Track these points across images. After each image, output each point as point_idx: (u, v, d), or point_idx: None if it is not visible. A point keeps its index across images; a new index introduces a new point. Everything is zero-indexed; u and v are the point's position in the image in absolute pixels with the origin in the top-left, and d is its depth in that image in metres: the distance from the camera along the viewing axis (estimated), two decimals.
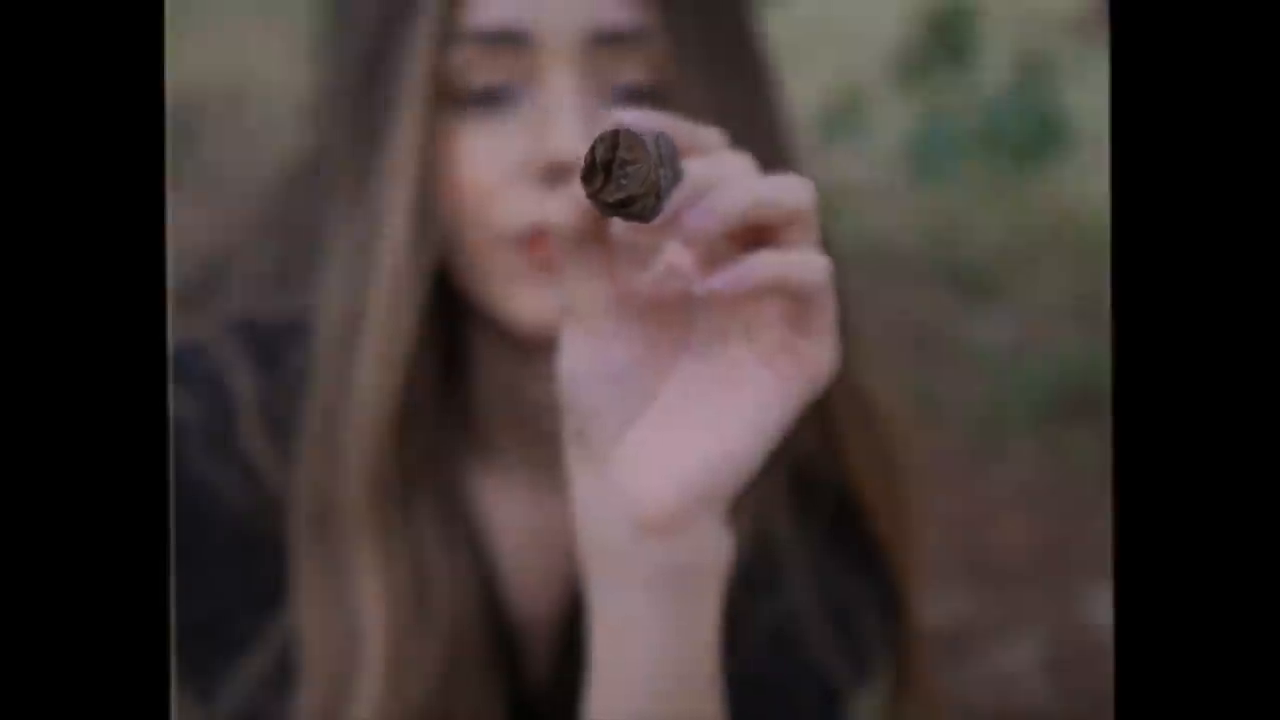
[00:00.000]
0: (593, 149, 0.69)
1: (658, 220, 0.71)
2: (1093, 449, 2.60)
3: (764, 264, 0.74)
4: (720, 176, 0.74)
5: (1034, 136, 2.35)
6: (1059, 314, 3.28)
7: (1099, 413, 2.69)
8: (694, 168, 0.74)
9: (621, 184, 0.69)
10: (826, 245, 0.77)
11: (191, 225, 1.13)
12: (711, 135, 0.78)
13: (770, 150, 0.99)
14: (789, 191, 0.75)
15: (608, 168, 0.69)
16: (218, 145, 3.88)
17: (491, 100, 0.95)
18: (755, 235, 0.75)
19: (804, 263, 0.75)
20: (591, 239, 0.76)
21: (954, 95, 2.40)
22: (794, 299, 0.76)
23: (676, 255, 0.78)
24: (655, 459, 0.77)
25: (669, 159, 0.71)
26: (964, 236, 3.61)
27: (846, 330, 1.02)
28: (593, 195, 0.69)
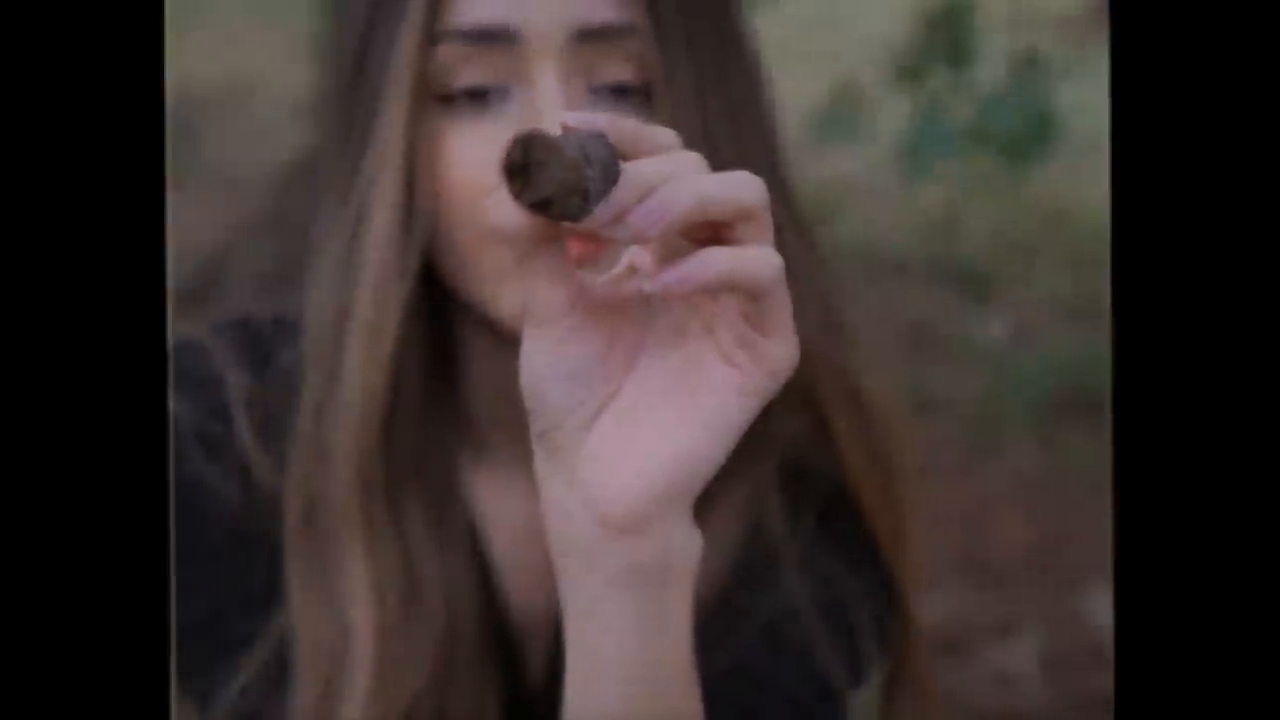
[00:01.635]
0: (508, 153, 0.71)
1: (600, 216, 0.72)
2: (1089, 446, 2.60)
3: (714, 260, 0.75)
4: (668, 174, 0.75)
5: (1029, 135, 2.35)
6: (1055, 312, 3.29)
7: (1096, 410, 2.69)
8: (642, 166, 0.75)
9: (538, 185, 0.71)
10: (818, 243, 0.77)
11: (192, 224, 1.13)
12: (663, 134, 0.78)
13: (757, 147, 0.99)
14: (738, 188, 0.75)
15: (524, 170, 0.70)
16: (218, 144, 3.88)
17: (479, 99, 0.96)
18: (712, 233, 0.76)
19: (755, 258, 0.75)
20: (545, 241, 0.76)
21: (950, 94, 2.41)
22: (748, 295, 0.76)
23: (637, 255, 0.79)
24: (617, 459, 0.77)
25: (599, 160, 0.72)
26: (960, 235, 3.61)
27: (843, 327, 1.02)
28: (515, 197, 0.72)
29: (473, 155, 0.95)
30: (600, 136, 0.73)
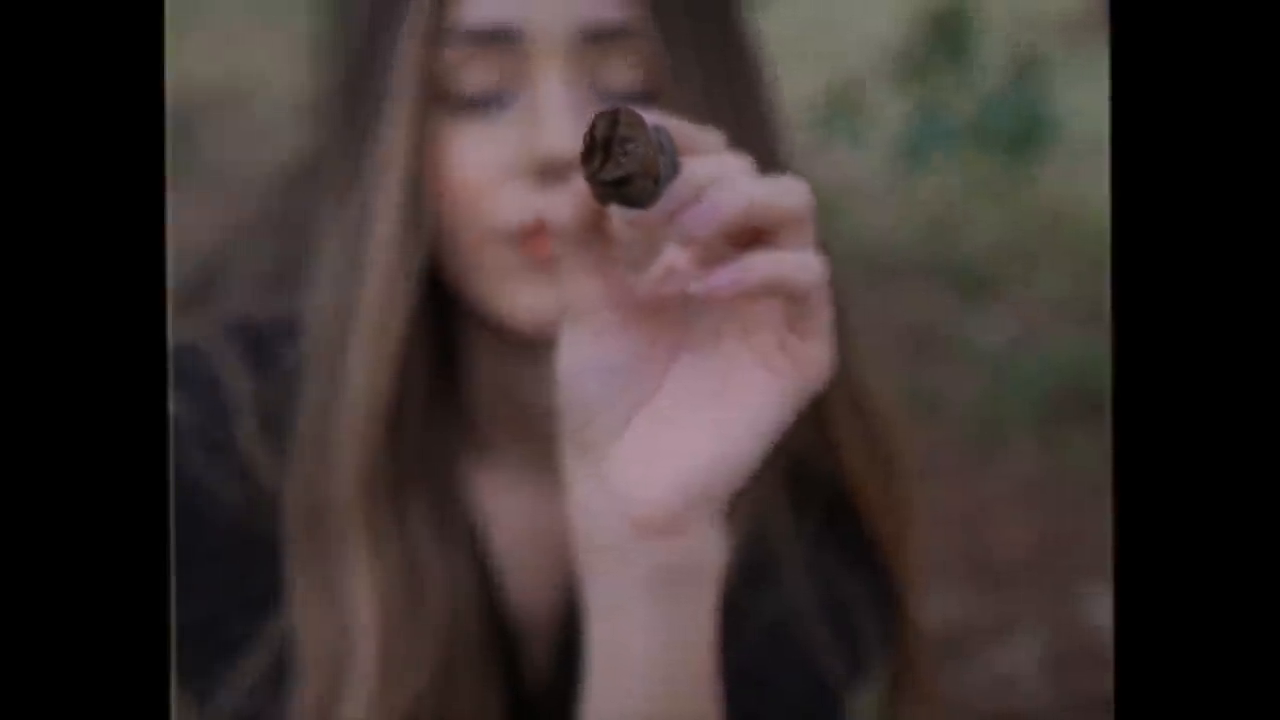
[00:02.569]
0: (593, 126, 0.69)
1: (654, 209, 0.72)
2: (1090, 447, 2.60)
3: (759, 265, 0.75)
4: (717, 177, 0.74)
5: (1030, 136, 2.35)
6: (1056, 313, 3.29)
7: (1097, 411, 2.69)
8: (692, 167, 0.74)
9: (620, 161, 0.69)
10: (823, 245, 0.77)
11: (192, 225, 1.13)
12: (711, 136, 0.78)
13: (762, 148, 0.99)
14: (785, 193, 0.75)
15: (607, 145, 0.69)
16: (218, 145, 3.88)
17: (483, 100, 0.95)
18: (753, 236, 0.76)
19: (800, 264, 0.75)
20: (591, 236, 0.76)
21: (951, 94, 2.41)
22: (790, 300, 0.76)
23: (674, 256, 0.78)
24: (652, 460, 0.77)
25: (668, 149, 0.71)
26: (961, 235, 3.61)
27: (843, 330, 1.02)
28: (591, 176, 0.70)
29: (477, 156, 0.95)
30: (664, 129, 0.73)
